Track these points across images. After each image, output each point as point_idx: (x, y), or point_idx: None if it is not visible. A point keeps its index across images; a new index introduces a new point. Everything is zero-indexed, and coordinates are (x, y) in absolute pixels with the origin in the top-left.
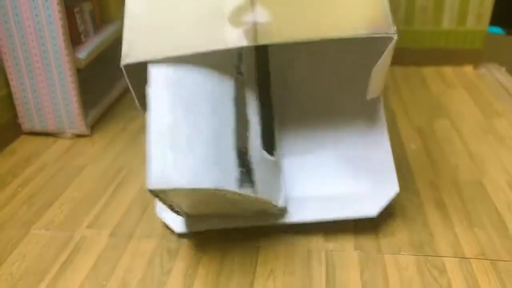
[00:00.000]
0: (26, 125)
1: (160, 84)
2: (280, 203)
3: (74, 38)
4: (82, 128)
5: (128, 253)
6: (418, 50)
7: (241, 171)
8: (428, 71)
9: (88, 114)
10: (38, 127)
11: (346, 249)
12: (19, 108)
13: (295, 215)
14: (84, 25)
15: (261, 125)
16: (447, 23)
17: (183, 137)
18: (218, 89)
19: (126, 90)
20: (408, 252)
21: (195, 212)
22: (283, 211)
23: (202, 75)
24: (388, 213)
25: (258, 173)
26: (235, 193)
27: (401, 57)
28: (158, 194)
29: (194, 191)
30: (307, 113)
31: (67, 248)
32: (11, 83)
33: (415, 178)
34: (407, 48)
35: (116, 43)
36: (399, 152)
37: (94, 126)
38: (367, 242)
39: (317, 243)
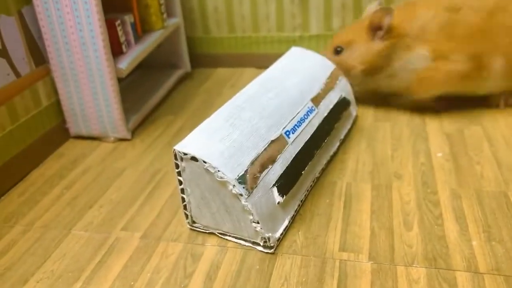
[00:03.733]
0: (73, 130)
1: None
2: (270, 237)
3: (116, 49)
4: (123, 132)
5: (156, 255)
6: None
7: (245, 175)
8: None
9: (129, 120)
10: (83, 132)
11: (360, 259)
12: (66, 114)
13: None
14: (125, 36)
15: (289, 167)
16: None
17: (219, 136)
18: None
19: (166, 95)
20: (421, 264)
21: (199, 215)
22: (268, 246)
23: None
24: (407, 224)
25: (258, 193)
26: (229, 183)
27: None
28: (178, 162)
29: (199, 168)
30: None
31: (102, 249)
32: (59, 91)
33: (437, 188)
34: None
35: (156, 50)
36: (425, 161)
37: (135, 130)
38: (382, 253)
39: (332, 253)
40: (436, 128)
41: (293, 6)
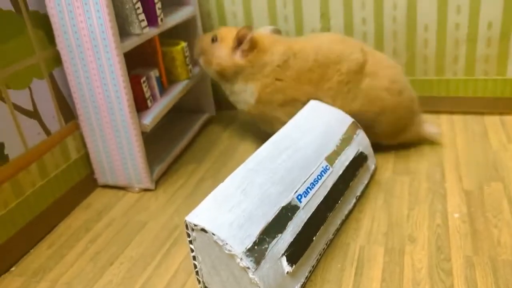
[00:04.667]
0: (100, 180)
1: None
2: None
3: (141, 105)
4: (147, 184)
5: None
6: (480, 99)
7: (253, 246)
8: (491, 121)
9: (153, 170)
10: (110, 182)
11: None
12: (94, 166)
13: None
14: (150, 91)
15: (300, 233)
16: None
17: (229, 205)
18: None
19: (191, 141)
20: None
21: (210, 281)
22: None
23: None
24: None
25: (266, 265)
26: (236, 256)
27: (462, 106)
28: (189, 231)
29: (209, 239)
30: None
31: None
32: (88, 145)
33: (451, 254)
34: (468, 97)
35: (181, 99)
36: (441, 222)
37: (159, 180)
38: None
39: None
40: (455, 184)
41: None
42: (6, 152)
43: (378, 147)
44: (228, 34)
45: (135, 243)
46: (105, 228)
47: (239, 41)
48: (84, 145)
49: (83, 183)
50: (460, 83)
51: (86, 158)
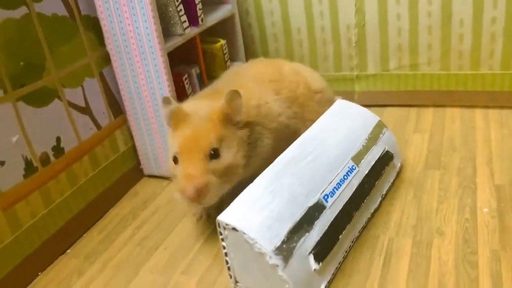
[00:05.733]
0: (146, 170)
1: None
2: None
3: (182, 100)
4: None
5: None
6: None
7: (282, 245)
8: None
9: None
10: (155, 172)
11: None
12: (141, 157)
13: None
14: (192, 88)
15: (326, 232)
16: None
17: (258, 206)
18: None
19: None
20: None
21: (241, 277)
22: None
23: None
24: (442, 286)
25: (294, 262)
26: (265, 254)
27: (498, 100)
28: (221, 230)
29: (240, 238)
30: None
31: None
32: (135, 138)
33: (478, 248)
34: (504, 91)
35: None
36: (469, 216)
37: None
38: None
39: None
40: (487, 179)
41: (351, 48)
42: (62, 145)
43: (411, 142)
44: (215, 129)
45: (178, 230)
46: (151, 216)
47: (231, 118)
48: (131, 138)
49: (130, 173)
50: (497, 77)
51: (133, 150)
